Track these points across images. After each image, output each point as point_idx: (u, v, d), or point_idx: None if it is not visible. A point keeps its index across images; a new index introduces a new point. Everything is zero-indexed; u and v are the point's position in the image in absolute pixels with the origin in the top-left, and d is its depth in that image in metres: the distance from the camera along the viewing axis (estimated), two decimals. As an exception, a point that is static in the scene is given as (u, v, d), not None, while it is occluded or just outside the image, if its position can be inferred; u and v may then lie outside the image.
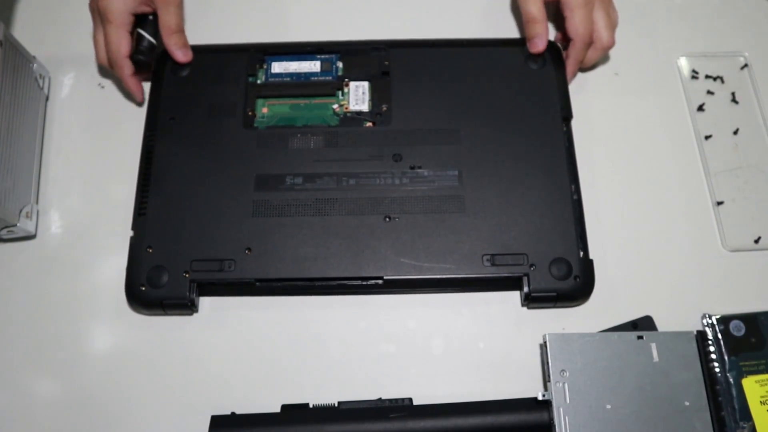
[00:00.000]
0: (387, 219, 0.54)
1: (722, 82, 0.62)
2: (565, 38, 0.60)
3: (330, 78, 0.59)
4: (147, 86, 0.59)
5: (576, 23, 0.57)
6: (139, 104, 0.61)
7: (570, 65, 0.60)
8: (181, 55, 0.58)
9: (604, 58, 0.63)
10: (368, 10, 0.65)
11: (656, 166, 0.59)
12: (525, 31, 0.59)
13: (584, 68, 0.62)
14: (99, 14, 0.57)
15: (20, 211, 0.54)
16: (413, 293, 0.54)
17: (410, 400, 0.50)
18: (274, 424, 0.48)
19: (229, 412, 0.49)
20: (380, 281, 0.52)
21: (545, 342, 0.49)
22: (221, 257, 0.52)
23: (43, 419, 0.51)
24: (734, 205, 0.57)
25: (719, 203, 0.57)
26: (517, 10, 0.63)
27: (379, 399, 0.50)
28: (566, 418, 0.47)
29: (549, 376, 0.48)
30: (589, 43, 0.59)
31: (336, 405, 0.49)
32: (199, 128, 0.57)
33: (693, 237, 0.56)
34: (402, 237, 0.53)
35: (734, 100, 0.61)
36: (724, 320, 0.51)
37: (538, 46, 0.59)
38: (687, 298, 0.54)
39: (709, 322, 0.52)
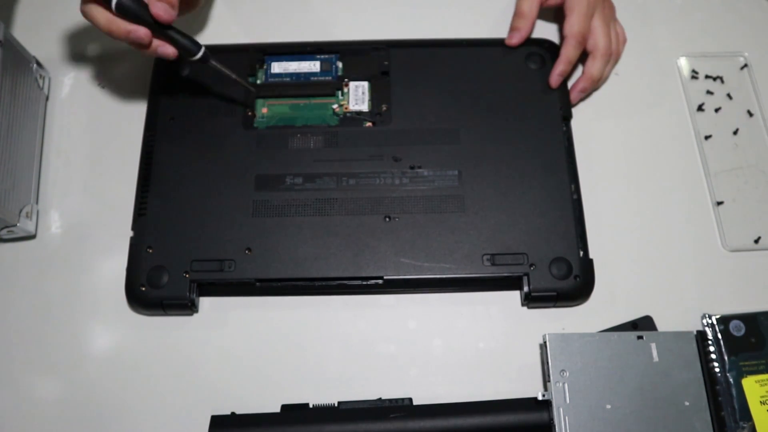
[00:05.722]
0: (387, 219, 0.54)
1: (722, 82, 0.62)
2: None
3: (330, 78, 0.59)
4: (146, 86, 0.59)
5: (571, 21, 0.59)
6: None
7: (558, 62, 0.58)
8: (162, 12, 0.48)
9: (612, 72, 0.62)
10: (368, 10, 0.65)
11: (656, 166, 0.59)
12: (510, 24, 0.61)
13: (594, 83, 0.60)
14: None
15: (20, 211, 0.54)
16: (413, 293, 0.54)
17: (410, 400, 0.50)
18: (274, 424, 0.48)
19: (229, 412, 0.49)
20: (380, 281, 0.52)
21: (545, 342, 0.49)
22: (221, 257, 0.52)
23: (42, 419, 0.51)
24: (734, 205, 0.57)
25: (719, 203, 0.57)
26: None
27: (379, 399, 0.50)
28: (566, 418, 0.47)
29: (549, 376, 0.48)
30: (582, 42, 0.59)
31: (336, 405, 0.49)
32: (199, 128, 0.57)
33: (693, 237, 0.56)
34: (402, 237, 0.53)
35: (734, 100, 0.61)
36: (724, 320, 0.51)
37: (513, 39, 0.60)
38: (687, 298, 0.54)
39: (709, 322, 0.52)
